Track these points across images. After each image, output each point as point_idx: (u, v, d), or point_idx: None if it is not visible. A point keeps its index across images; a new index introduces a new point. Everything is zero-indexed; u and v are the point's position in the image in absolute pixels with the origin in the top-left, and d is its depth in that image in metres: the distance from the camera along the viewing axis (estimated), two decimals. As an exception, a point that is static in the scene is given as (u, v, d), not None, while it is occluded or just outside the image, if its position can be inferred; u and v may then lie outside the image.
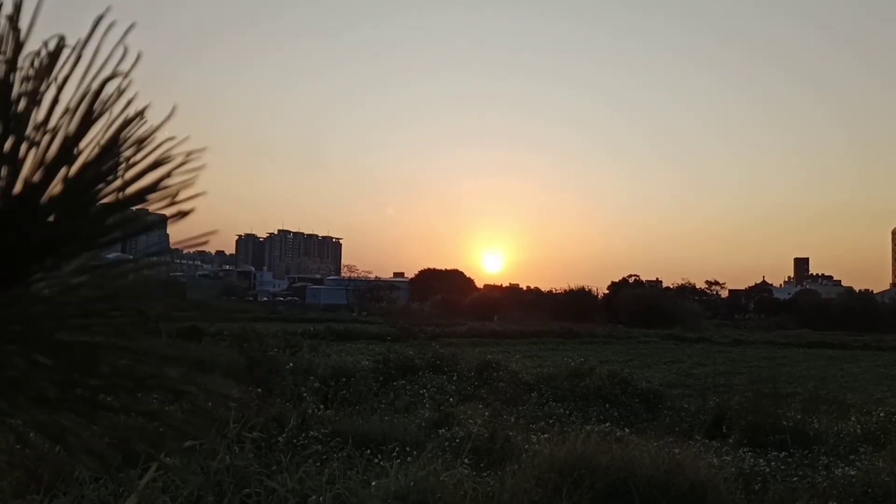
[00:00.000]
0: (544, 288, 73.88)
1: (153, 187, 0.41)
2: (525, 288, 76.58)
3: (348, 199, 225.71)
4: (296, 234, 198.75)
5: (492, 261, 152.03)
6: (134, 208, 0.42)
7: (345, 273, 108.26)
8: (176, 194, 0.41)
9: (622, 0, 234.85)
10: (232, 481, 4.80)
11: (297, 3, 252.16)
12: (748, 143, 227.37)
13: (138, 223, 0.42)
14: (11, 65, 0.41)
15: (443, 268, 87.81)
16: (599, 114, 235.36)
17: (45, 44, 0.41)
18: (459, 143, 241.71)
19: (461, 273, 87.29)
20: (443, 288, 68.42)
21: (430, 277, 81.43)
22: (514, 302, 61.26)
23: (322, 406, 8.95)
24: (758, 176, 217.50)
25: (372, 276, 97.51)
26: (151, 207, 0.42)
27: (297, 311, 52.14)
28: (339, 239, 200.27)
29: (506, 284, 78.86)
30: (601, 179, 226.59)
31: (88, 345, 0.41)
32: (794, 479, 6.85)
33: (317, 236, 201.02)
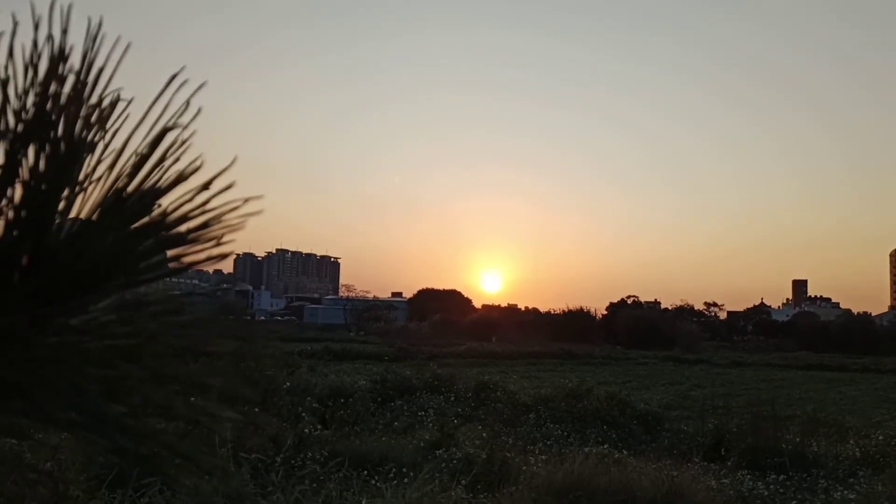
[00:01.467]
0: (542, 308, 73.77)
1: (201, 230, 0.42)
2: (523, 308, 76.53)
3: (347, 218, 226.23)
4: (294, 253, 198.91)
5: (490, 281, 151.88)
6: (178, 250, 0.43)
7: (343, 293, 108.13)
8: (220, 238, 0.42)
9: (622, 22, 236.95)
10: (226, 502, 4.77)
11: (295, 25, 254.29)
12: (747, 165, 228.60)
13: (177, 265, 0.43)
14: (75, 114, 0.44)
15: (441, 288, 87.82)
16: (599, 135, 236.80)
17: (103, 96, 0.45)
18: (458, 164, 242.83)
19: (459, 293, 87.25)
20: (441, 308, 68.33)
21: (428, 297, 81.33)
22: (512, 322, 61.19)
23: (320, 426, 8.91)
24: (756, 198, 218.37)
25: (370, 295, 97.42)
26: (195, 248, 0.43)
27: (295, 330, 51.99)
28: (337, 258, 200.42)
29: (504, 305, 78.90)
30: (600, 200, 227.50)
31: (116, 377, 0.43)
32: (793, 502, 6.83)
33: (315, 256, 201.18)
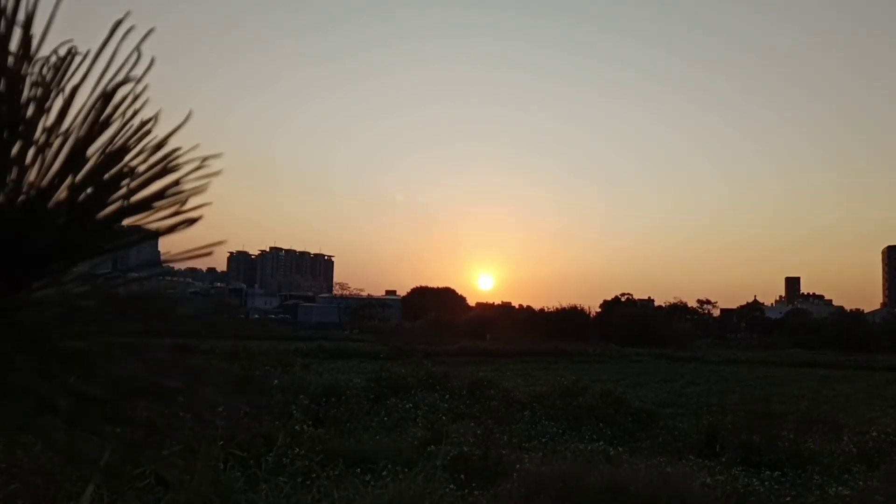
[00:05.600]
0: (536, 306, 73.89)
1: (161, 194, 0.39)
2: (517, 306, 76.61)
3: (340, 216, 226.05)
4: (288, 251, 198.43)
5: (484, 279, 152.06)
6: (141, 216, 0.40)
7: (337, 291, 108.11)
8: (184, 202, 0.39)
9: (607, 22, 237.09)
10: (217, 498, 4.73)
11: (293, 32, 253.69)
12: (739, 162, 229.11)
13: (144, 232, 0.40)
14: (21, 71, 0.40)
15: (435, 286, 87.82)
16: (592, 134, 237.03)
17: (56, 50, 0.41)
18: (452, 163, 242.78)
19: (453, 291, 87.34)
20: (435, 306, 68.34)
21: (422, 295, 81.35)
22: (506, 320, 61.23)
23: (312, 424, 8.87)
24: (749, 195, 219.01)
25: (364, 293, 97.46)
26: (159, 215, 0.39)
27: (289, 328, 51.92)
28: (331, 257, 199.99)
29: (498, 302, 78.94)
30: (594, 198, 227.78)
31: (88, 353, 0.40)
32: (788, 498, 6.82)
33: (309, 254, 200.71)
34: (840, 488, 6.66)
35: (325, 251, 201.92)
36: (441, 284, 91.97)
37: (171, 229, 0.38)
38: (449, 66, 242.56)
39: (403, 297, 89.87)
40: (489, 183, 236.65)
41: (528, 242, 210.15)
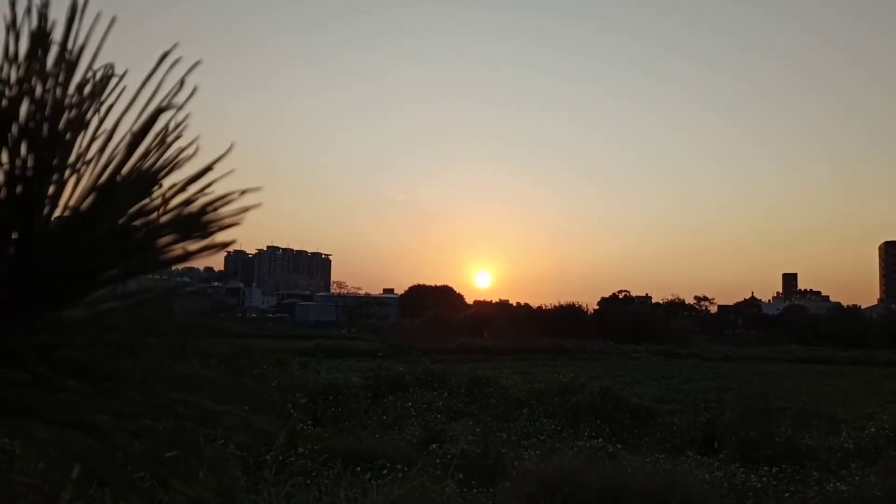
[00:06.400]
0: (534, 304, 73.87)
1: (196, 220, 0.40)
2: (515, 304, 76.60)
3: (338, 215, 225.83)
4: (285, 250, 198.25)
5: (482, 276, 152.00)
6: (174, 238, 0.41)
7: (334, 289, 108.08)
8: (221, 227, 0.40)
9: (603, 20, 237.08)
10: (218, 498, 4.74)
11: (291, 29, 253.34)
12: (735, 159, 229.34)
13: (174, 255, 0.41)
14: (62, 91, 0.41)
15: (433, 284, 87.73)
16: (589, 131, 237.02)
17: (94, 72, 0.42)
18: (449, 160, 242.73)
19: (451, 289, 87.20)
20: (432, 304, 68.30)
21: (419, 293, 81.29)
22: (504, 318, 61.21)
23: (311, 423, 8.89)
24: (745, 191, 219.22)
25: (361, 292, 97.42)
26: (194, 237, 0.41)
27: (287, 327, 51.89)
28: (328, 255, 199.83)
29: (496, 300, 78.89)
30: (591, 195, 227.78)
31: (123, 374, 0.41)
32: (786, 494, 6.85)
33: (306, 253, 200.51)
34: (838, 484, 6.68)
35: (323, 250, 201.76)
36: (439, 282, 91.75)
37: (203, 252, 0.40)
38: (445, 65, 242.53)
39: (401, 295, 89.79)
40: (486, 181, 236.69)
41: (526, 240, 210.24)
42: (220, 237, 0.40)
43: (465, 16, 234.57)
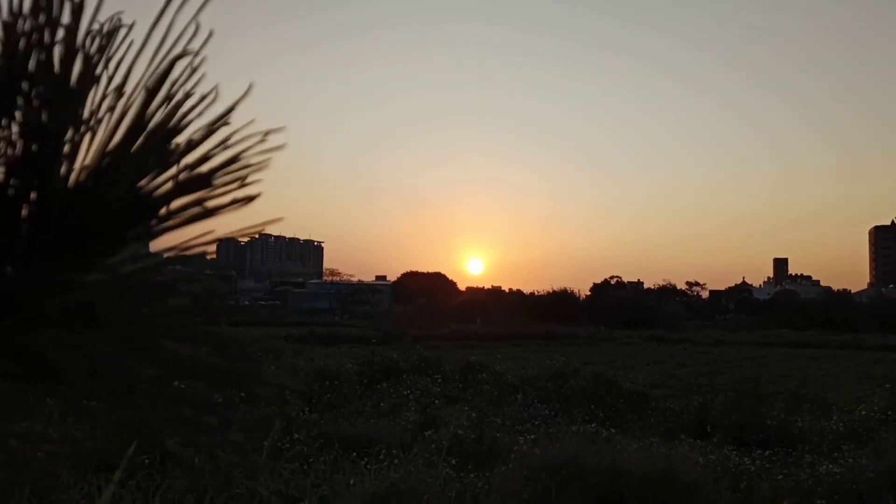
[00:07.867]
0: (527, 290, 74.06)
1: (220, 169, 0.38)
2: (507, 290, 76.72)
3: (330, 202, 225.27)
4: (277, 237, 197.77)
5: (474, 263, 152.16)
6: (199, 193, 0.39)
7: (327, 277, 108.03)
8: (245, 178, 0.38)
9: (594, 5, 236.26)
10: (215, 483, 4.75)
11: (283, 15, 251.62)
12: (726, 144, 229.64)
13: (200, 211, 0.39)
14: (73, 45, 0.39)
15: (425, 270, 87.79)
16: (581, 117, 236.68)
17: (102, 23, 0.40)
18: (441, 147, 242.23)
19: (443, 276, 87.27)
20: (425, 291, 68.34)
21: (412, 280, 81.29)
22: (496, 304, 61.31)
23: (307, 409, 8.89)
24: (736, 176, 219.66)
25: (354, 279, 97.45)
26: (217, 192, 0.39)
27: (280, 315, 51.86)
28: (320, 242, 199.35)
29: (488, 286, 78.99)
30: (582, 180, 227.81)
31: (145, 332, 0.39)
32: (779, 477, 6.90)
33: (298, 240, 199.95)
34: (831, 466, 6.73)
35: (315, 237, 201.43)
36: (431, 269, 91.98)
37: (230, 206, 0.38)
38: (437, 51, 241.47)
39: (394, 282, 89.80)
40: (478, 167, 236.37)
41: (518, 226, 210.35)
42: (244, 192, 0.38)
43: (456, 2, 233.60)
